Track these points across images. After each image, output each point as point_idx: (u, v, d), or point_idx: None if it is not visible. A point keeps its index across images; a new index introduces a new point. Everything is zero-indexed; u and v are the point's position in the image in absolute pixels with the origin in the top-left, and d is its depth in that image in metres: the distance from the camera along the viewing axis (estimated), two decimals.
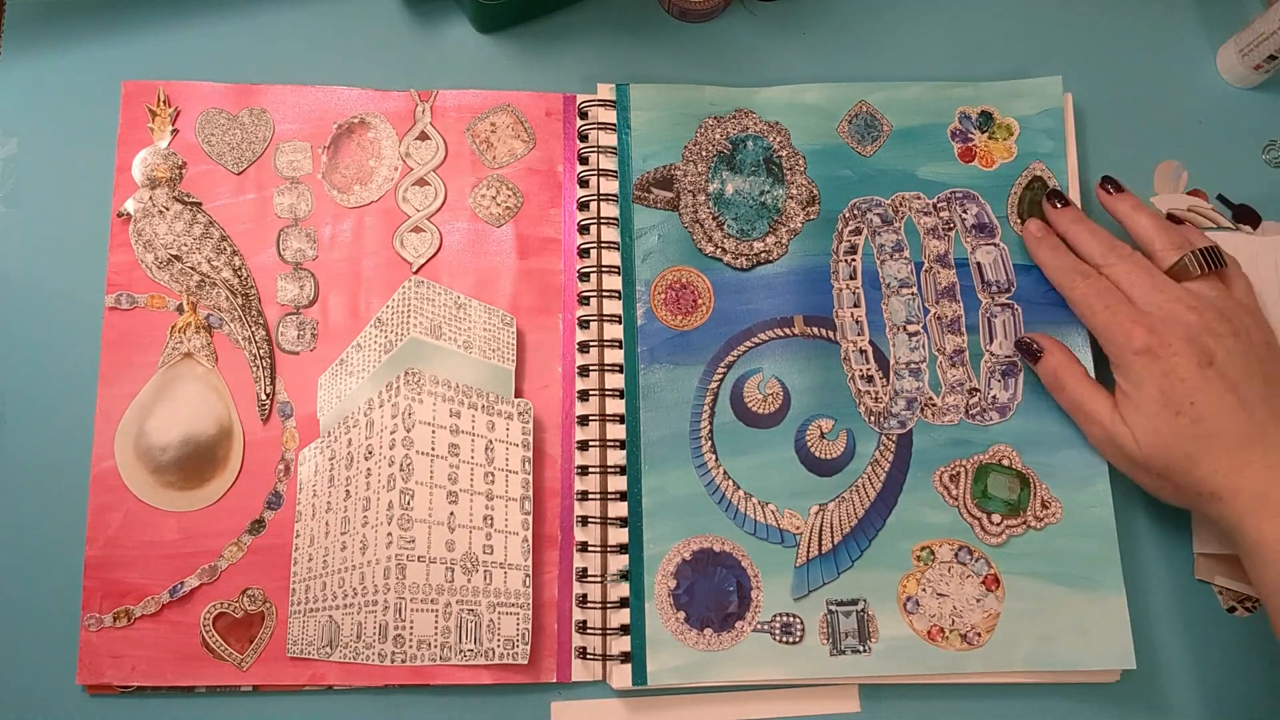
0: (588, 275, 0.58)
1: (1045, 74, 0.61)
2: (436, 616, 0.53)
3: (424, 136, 0.60)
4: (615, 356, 0.57)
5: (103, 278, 0.57)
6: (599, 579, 0.55)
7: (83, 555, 0.54)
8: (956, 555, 0.55)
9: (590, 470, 0.56)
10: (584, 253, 0.59)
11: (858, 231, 0.59)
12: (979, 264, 0.58)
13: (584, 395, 0.57)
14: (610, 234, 0.58)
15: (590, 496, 0.55)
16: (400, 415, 0.55)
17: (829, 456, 0.56)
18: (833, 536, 0.55)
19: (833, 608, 0.54)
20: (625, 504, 0.55)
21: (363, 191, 0.59)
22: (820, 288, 0.58)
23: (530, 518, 0.55)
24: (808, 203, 0.59)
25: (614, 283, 0.58)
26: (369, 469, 0.55)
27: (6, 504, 0.55)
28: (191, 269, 0.57)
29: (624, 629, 0.54)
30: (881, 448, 0.56)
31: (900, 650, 0.54)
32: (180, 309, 0.57)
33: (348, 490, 0.55)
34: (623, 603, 0.54)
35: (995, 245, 0.59)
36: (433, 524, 0.54)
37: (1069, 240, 0.56)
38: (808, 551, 0.55)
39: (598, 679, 0.54)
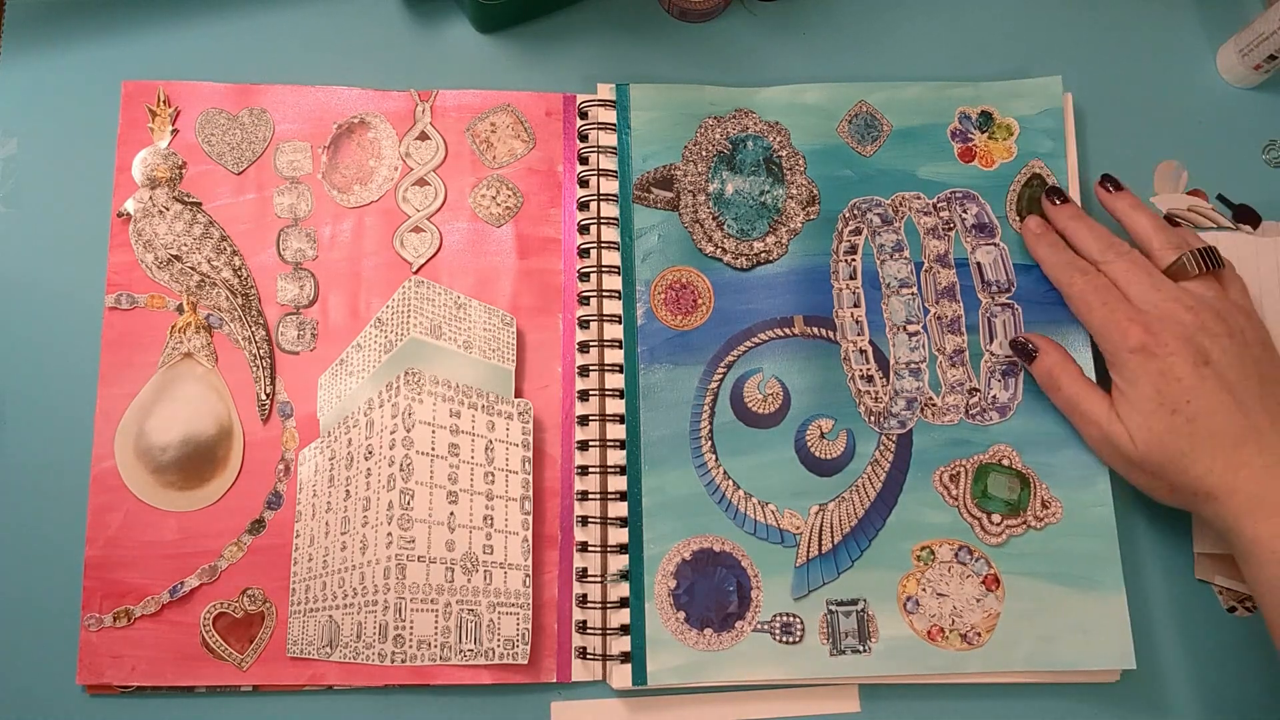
0: (588, 275, 0.58)
1: (1045, 74, 0.61)
2: (436, 616, 0.53)
3: (424, 136, 0.60)
4: (615, 356, 0.57)
5: (103, 278, 0.57)
6: (599, 579, 0.55)
7: (83, 555, 0.54)
8: (956, 555, 0.55)
9: (590, 470, 0.56)
10: (584, 253, 0.59)
11: (858, 231, 0.59)
12: (979, 264, 0.58)
13: (584, 395, 0.57)
14: (610, 234, 0.58)
15: (590, 496, 0.55)
16: (400, 415, 0.55)
17: (829, 456, 0.56)
18: (833, 536, 0.55)
19: (833, 608, 0.54)
20: (625, 504, 0.55)
21: (363, 191, 0.59)
22: (820, 288, 0.58)
23: (530, 518, 0.55)
24: (808, 203, 0.59)
25: (614, 283, 0.58)
26: (369, 469, 0.55)
27: (6, 504, 0.55)
28: (191, 269, 0.57)
29: (624, 629, 0.54)
30: (881, 448, 0.56)
31: (900, 650, 0.54)
32: (180, 309, 0.57)
33: (348, 490, 0.55)
34: (623, 603, 0.54)
35: (995, 245, 0.59)
36: (433, 524, 0.54)
37: (1067, 237, 0.57)
38: (808, 551, 0.55)
39: (598, 679, 0.54)
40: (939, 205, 0.59)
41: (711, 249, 0.58)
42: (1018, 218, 0.59)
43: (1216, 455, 0.49)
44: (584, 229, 0.59)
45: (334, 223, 0.59)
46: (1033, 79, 0.61)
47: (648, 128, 0.59)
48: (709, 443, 0.56)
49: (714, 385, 0.57)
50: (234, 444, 0.56)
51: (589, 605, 0.54)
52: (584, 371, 0.57)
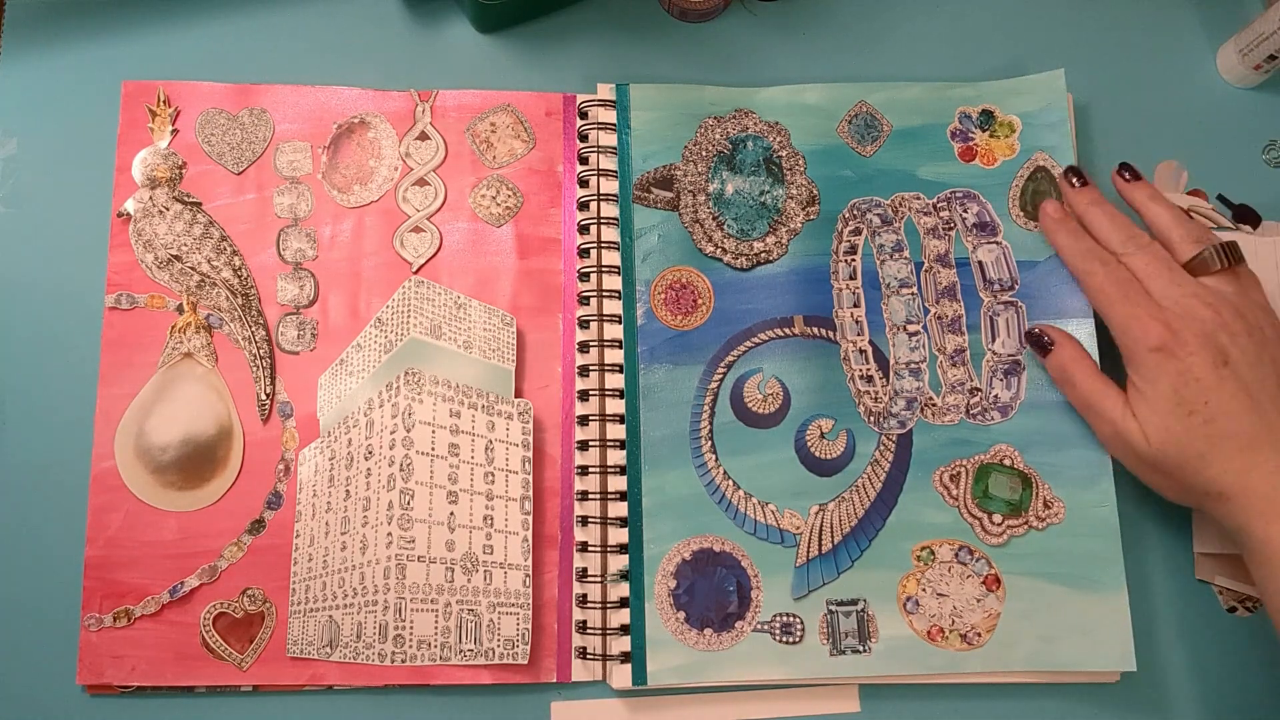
0: (588, 275, 0.58)
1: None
2: (436, 616, 0.53)
3: (424, 136, 0.60)
4: (615, 356, 0.57)
5: (103, 278, 0.57)
6: (599, 579, 0.55)
7: (83, 555, 0.54)
8: (957, 555, 0.55)
9: (590, 470, 0.56)
10: (584, 253, 0.59)
11: (857, 232, 0.59)
12: (980, 263, 0.58)
13: (584, 395, 0.57)
14: (610, 234, 0.58)
15: (590, 496, 0.55)
16: (400, 415, 0.55)
17: (829, 456, 0.56)
18: (833, 536, 0.55)
19: (833, 608, 0.54)
20: (625, 504, 0.55)
21: (363, 191, 0.59)
22: (820, 288, 0.58)
23: (530, 518, 0.55)
24: (808, 203, 0.59)
25: (614, 283, 0.58)
26: (369, 469, 0.55)
27: (6, 504, 0.55)
28: (191, 269, 0.57)
29: (624, 629, 0.53)
30: (881, 448, 0.56)
31: (900, 650, 0.54)
32: (180, 309, 0.57)
33: (348, 490, 0.55)
34: (623, 603, 0.54)
35: (997, 244, 0.59)
36: (433, 524, 0.54)
37: (1087, 223, 0.55)
38: (808, 551, 0.55)
39: (598, 679, 0.54)
40: (939, 205, 0.59)
41: (711, 249, 0.58)
42: (1021, 213, 0.59)
43: (1233, 456, 0.49)
44: (584, 229, 0.59)
45: (334, 223, 0.59)
46: (1035, 75, 0.61)
47: (648, 128, 0.59)
48: (709, 443, 0.56)
49: (714, 385, 0.57)
50: (234, 444, 0.56)
51: (589, 605, 0.54)
52: (584, 371, 0.57)
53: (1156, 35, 0.64)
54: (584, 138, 0.60)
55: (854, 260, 0.59)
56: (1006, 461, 0.56)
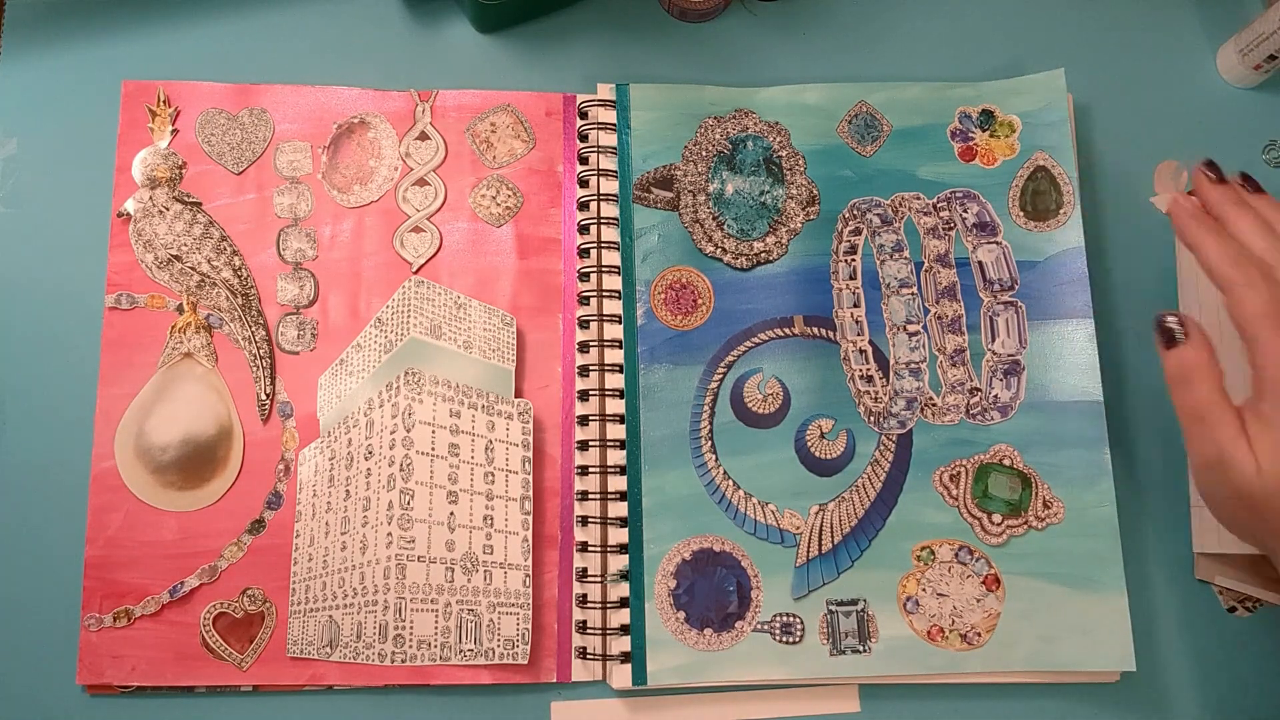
0: (588, 275, 0.58)
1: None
2: (436, 616, 0.53)
3: (424, 136, 0.60)
4: (615, 356, 0.57)
5: (103, 278, 0.57)
6: (599, 579, 0.55)
7: (83, 555, 0.54)
8: (957, 555, 0.55)
9: (590, 470, 0.56)
10: (584, 253, 0.59)
11: (857, 232, 0.59)
12: (980, 263, 0.58)
13: (584, 395, 0.57)
14: (610, 234, 0.58)
15: (590, 496, 0.55)
16: (400, 415, 0.55)
17: (829, 456, 0.56)
18: (833, 536, 0.55)
19: (833, 608, 0.54)
20: (625, 504, 0.55)
21: (363, 191, 0.59)
22: (820, 288, 0.58)
23: (530, 518, 0.55)
24: (808, 203, 0.59)
25: (614, 283, 0.58)
26: (369, 469, 0.55)
27: (6, 504, 0.55)
28: (191, 269, 0.57)
29: (624, 629, 0.53)
30: (881, 448, 0.56)
31: (900, 650, 0.54)
32: (180, 309, 0.57)
33: (348, 490, 0.55)
34: (623, 603, 0.54)
35: (997, 244, 0.59)
36: (433, 524, 0.54)
37: (1228, 224, 0.48)
38: (808, 551, 0.55)
39: (598, 679, 0.54)
40: (939, 205, 0.59)
41: (711, 249, 0.58)
42: (1021, 213, 0.59)
43: None
44: (584, 229, 0.59)
45: (334, 223, 0.59)
46: (1035, 74, 0.61)
47: (648, 128, 0.59)
48: (709, 443, 0.56)
49: (714, 385, 0.57)
50: (234, 444, 0.56)
51: (589, 605, 0.54)
52: (584, 371, 0.57)
53: (1156, 35, 0.64)
54: (584, 138, 0.60)
55: (854, 260, 0.59)
56: (1006, 461, 0.56)
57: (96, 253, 0.57)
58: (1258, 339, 0.45)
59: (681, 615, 0.54)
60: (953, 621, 0.54)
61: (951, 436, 0.56)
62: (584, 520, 0.55)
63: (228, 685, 0.53)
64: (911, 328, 0.58)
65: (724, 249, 0.58)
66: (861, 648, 0.54)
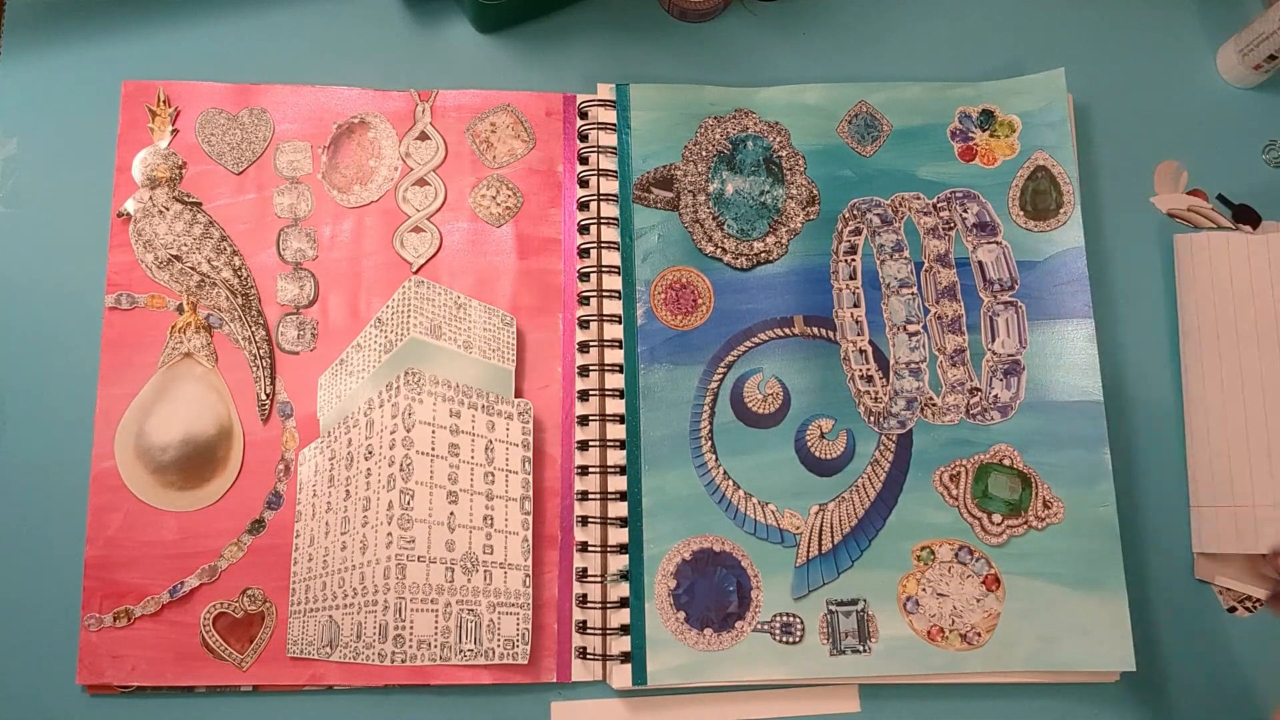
0: (588, 275, 0.58)
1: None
2: (436, 616, 0.53)
3: (424, 136, 0.60)
4: (615, 356, 0.57)
5: (103, 278, 0.57)
6: (599, 579, 0.55)
7: (83, 555, 0.54)
8: (957, 555, 0.55)
9: (590, 470, 0.56)
10: (584, 253, 0.59)
11: (857, 232, 0.59)
12: (980, 263, 0.58)
13: (584, 395, 0.57)
14: (610, 234, 0.58)
15: (590, 496, 0.55)
16: (400, 415, 0.55)
17: (829, 456, 0.56)
18: (833, 536, 0.55)
19: (833, 608, 0.54)
20: (625, 504, 0.55)
21: (363, 191, 0.59)
22: (820, 288, 0.58)
23: (530, 518, 0.55)
24: (808, 203, 0.59)
25: (614, 283, 0.58)
26: (369, 469, 0.55)
27: (6, 504, 0.55)
28: (191, 269, 0.57)
29: (624, 629, 0.53)
30: (881, 448, 0.56)
31: (900, 650, 0.54)
32: (180, 309, 0.57)
33: (348, 490, 0.55)
34: (623, 603, 0.54)
35: (997, 244, 0.59)
36: (433, 524, 0.54)
37: None
38: (808, 551, 0.55)
39: (598, 679, 0.54)
40: (939, 205, 0.59)
41: (711, 249, 0.58)
42: (1022, 213, 0.59)
43: None
44: (584, 229, 0.59)
45: (334, 223, 0.59)
46: (1035, 75, 0.61)
47: (648, 128, 0.59)
48: (709, 443, 0.56)
49: (714, 385, 0.57)
50: (234, 444, 0.56)
51: (589, 605, 0.54)
52: (584, 371, 0.57)
53: (1156, 35, 0.64)
54: (584, 138, 0.60)
55: (854, 260, 0.59)
56: (1006, 461, 0.56)
57: (96, 253, 0.57)
58: None
59: (681, 615, 0.54)
60: (953, 621, 0.54)
61: (951, 436, 0.56)
62: (584, 520, 0.55)
63: (228, 685, 0.53)
64: (911, 328, 0.58)
65: (724, 249, 0.58)
66: (861, 648, 0.54)
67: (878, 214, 0.59)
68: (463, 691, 0.54)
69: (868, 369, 0.57)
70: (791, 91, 0.61)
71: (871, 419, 0.57)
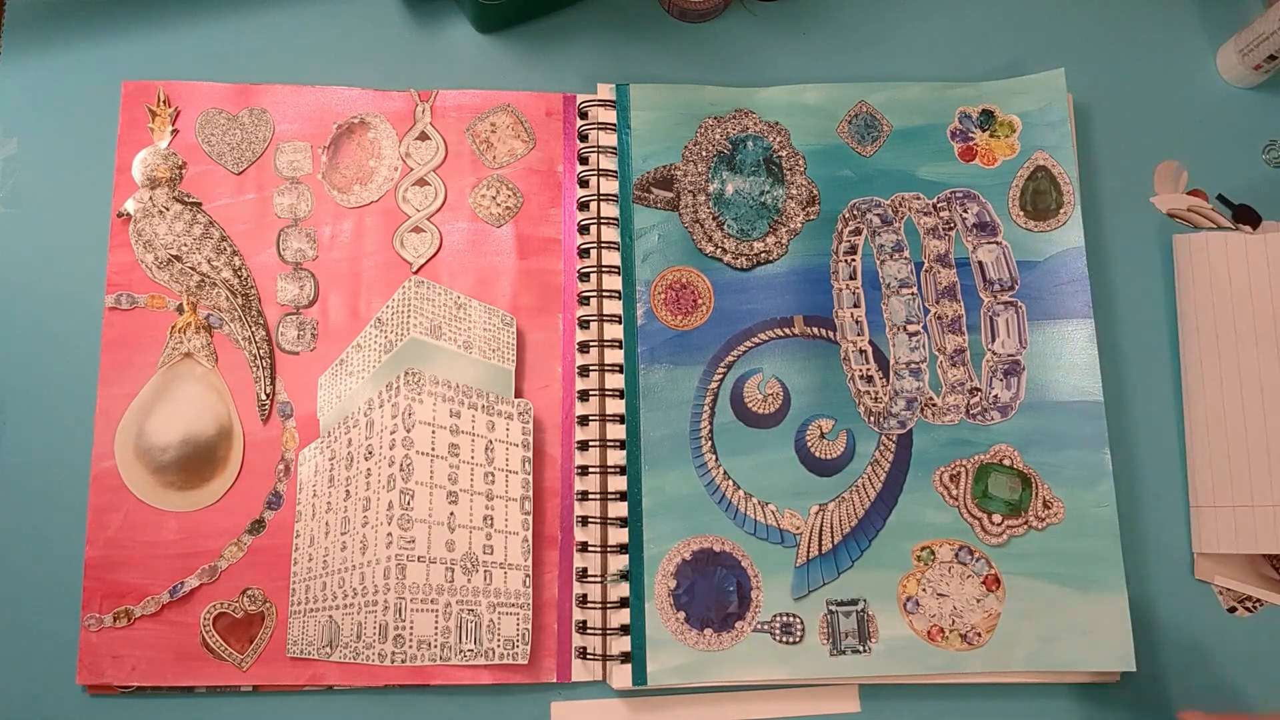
0: (588, 275, 0.58)
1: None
2: (436, 616, 0.53)
3: (424, 136, 0.60)
4: (615, 356, 0.57)
5: (103, 278, 0.57)
6: (599, 579, 0.55)
7: (83, 555, 0.54)
8: (957, 555, 0.55)
9: (590, 470, 0.56)
10: (584, 253, 0.59)
11: (857, 232, 0.59)
12: (981, 263, 0.58)
13: (584, 395, 0.57)
14: (610, 234, 0.58)
15: (590, 496, 0.55)
16: (400, 415, 0.55)
17: (829, 456, 0.56)
18: (833, 536, 0.55)
19: (833, 608, 0.54)
20: (625, 504, 0.55)
21: (363, 191, 0.59)
22: (820, 288, 0.58)
23: (530, 518, 0.55)
24: (808, 203, 0.59)
25: (614, 283, 0.58)
26: (369, 469, 0.55)
27: (6, 504, 0.55)
28: (191, 269, 0.57)
29: (624, 629, 0.53)
30: (881, 448, 0.56)
31: (900, 650, 0.54)
32: (180, 309, 0.57)
33: (348, 490, 0.55)
34: (623, 603, 0.54)
35: (997, 244, 0.59)
36: (433, 524, 0.54)
37: None
38: (808, 551, 0.55)
39: (598, 679, 0.54)
40: (939, 205, 0.59)
41: (711, 249, 0.58)
42: (1022, 213, 0.59)
43: None
44: (584, 229, 0.59)
45: (334, 223, 0.59)
46: (1035, 75, 0.61)
47: (648, 128, 0.59)
48: (709, 443, 0.56)
49: (714, 385, 0.57)
50: (234, 444, 0.56)
51: (589, 605, 0.54)
52: (584, 371, 0.57)
53: (1156, 35, 0.64)
54: (584, 138, 0.60)
55: (854, 260, 0.59)
56: (1006, 461, 0.56)
57: (96, 253, 0.57)
58: None
59: (681, 615, 0.54)
60: (953, 621, 0.54)
61: (951, 436, 0.56)
62: (584, 520, 0.55)
63: (228, 685, 0.53)
64: (911, 328, 0.58)
65: (724, 249, 0.58)
66: (861, 648, 0.54)
67: (878, 214, 0.59)
68: (463, 692, 0.54)
69: (868, 369, 0.57)
70: (791, 91, 0.61)
71: (871, 419, 0.57)
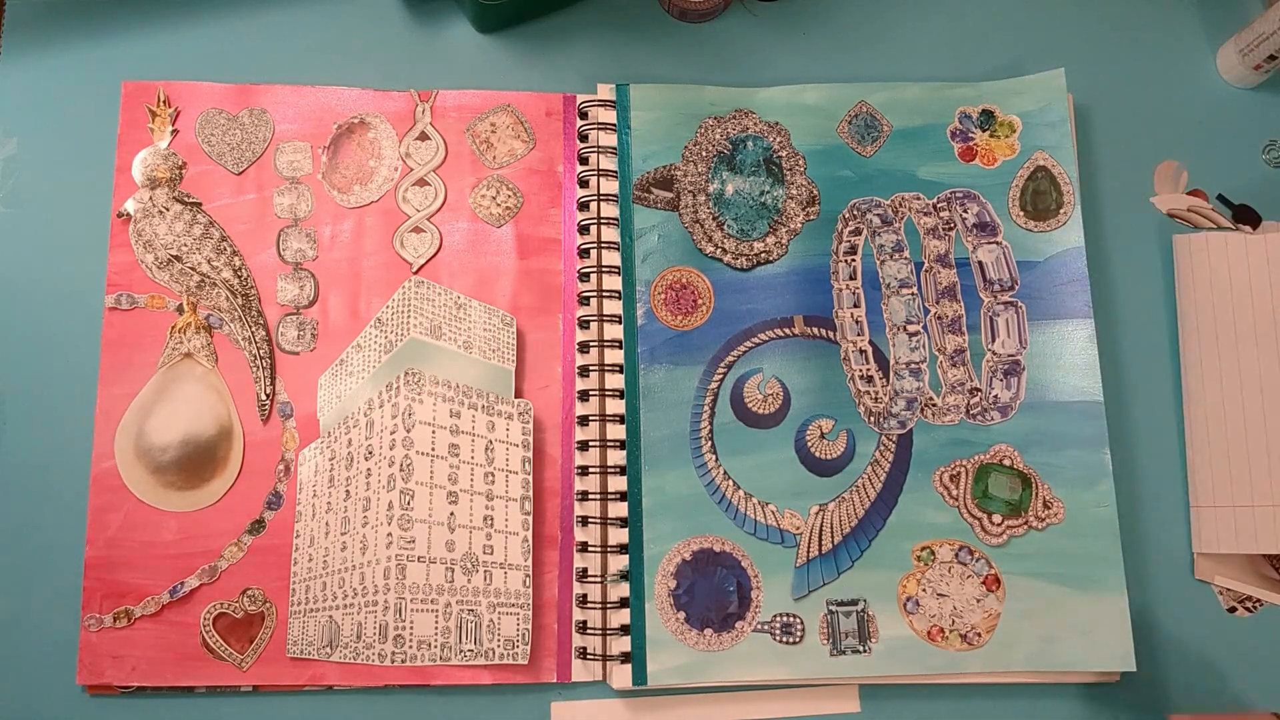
0: (588, 275, 0.58)
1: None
2: (436, 617, 0.53)
3: (424, 136, 0.60)
4: (615, 357, 0.57)
5: (103, 278, 0.57)
6: (599, 579, 0.55)
7: (83, 555, 0.54)
8: (957, 555, 0.55)
9: (590, 470, 0.56)
10: (584, 253, 0.59)
11: (857, 232, 0.59)
12: (981, 263, 0.58)
13: (584, 395, 0.57)
14: (610, 234, 0.58)
15: (590, 496, 0.55)
16: (400, 415, 0.55)
17: (829, 456, 0.56)
18: (833, 536, 0.55)
19: (833, 608, 0.54)
20: (625, 504, 0.55)
21: (363, 191, 0.59)
22: (820, 288, 0.58)
23: (530, 518, 0.55)
24: (808, 203, 0.59)
25: (614, 283, 0.58)
26: (369, 469, 0.55)
27: (6, 504, 0.55)
28: (191, 269, 0.57)
29: (624, 629, 0.53)
30: (881, 448, 0.56)
31: (900, 650, 0.54)
32: (180, 309, 0.57)
33: (348, 490, 0.55)
34: (623, 603, 0.54)
35: (997, 244, 0.59)
36: (433, 524, 0.54)
37: None
38: (808, 551, 0.55)
39: (598, 679, 0.54)
40: (939, 205, 0.59)
41: (711, 249, 0.58)
42: (1022, 213, 0.59)
43: None
44: (584, 229, 0.59)
45: (334, 223, 0.59)
46: (1035, 75, 0.61)
47: (648, 128, 0.59)
48: (709, 443, 0.56)
49: (714, 385, 0.57)
50: (234, 444, 0.56)
51: (589, 605, 0.54)
52: (584, 371, 0.57)
53: (1156, 35, 0.64)
54: (584, 138, 0.60)
55: (854, 260, 0.59)
56: (1006, 461, 0.56)
57: (96, 253, 0.57)
58: None
59: (681, 615, 0.54)
60: (953, 621, 0.54)
61: (951, 436, 0.56)
62: (584, 520, 0.55)
63: (228, 685, 0.53)
64: (911, 328, 0.58)
65: (724, 249, 0.58)
66: (861, 648, 0.54)
67: (878, 214, 0.59)
68: (463, 692, 0.54)
69: (868, 369, 0.57)
70: (791, 92, 0.61)
71: (871, 419, 0.57)
